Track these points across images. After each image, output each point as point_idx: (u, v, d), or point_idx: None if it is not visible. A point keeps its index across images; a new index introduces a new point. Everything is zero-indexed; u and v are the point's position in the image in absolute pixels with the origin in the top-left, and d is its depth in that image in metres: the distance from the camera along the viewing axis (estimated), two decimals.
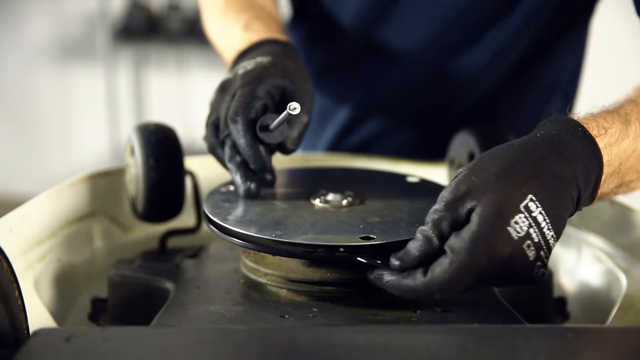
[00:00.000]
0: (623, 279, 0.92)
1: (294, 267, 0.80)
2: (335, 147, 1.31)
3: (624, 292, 0.87)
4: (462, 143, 1.04)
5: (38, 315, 0.83)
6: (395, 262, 0.71)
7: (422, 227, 0.70)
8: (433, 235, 0.69)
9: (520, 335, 0.66)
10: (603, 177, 0.74)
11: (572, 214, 0.73)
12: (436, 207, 0.70)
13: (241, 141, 0.85)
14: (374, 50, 1.21)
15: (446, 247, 0.68)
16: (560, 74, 1.24)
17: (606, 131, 0.74)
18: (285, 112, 0.80)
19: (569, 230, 1.05)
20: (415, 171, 1.10)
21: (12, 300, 0.70)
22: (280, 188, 0.91)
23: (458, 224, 0.69)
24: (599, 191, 0.74)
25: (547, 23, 1.16)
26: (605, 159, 0.73)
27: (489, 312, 0.77)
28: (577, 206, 0.73)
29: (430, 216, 0.70)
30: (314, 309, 0.78)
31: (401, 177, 0.96)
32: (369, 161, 1.18)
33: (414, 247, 0.70)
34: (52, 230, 0.95)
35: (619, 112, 0.77)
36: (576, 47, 1.24)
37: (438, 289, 0.68)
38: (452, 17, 1.14)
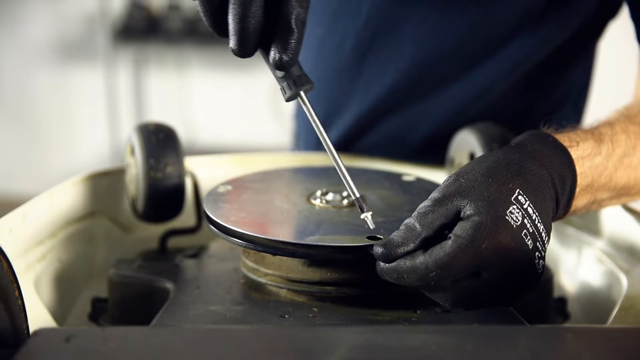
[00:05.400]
0: (624, 280, 0.91)
1: (294, 267, 0.80)
2: (340, 148, 1.31)
3: (624, 293, 0.87)
4: (462, 143, 1.04)
5: (38, 315, 0.83)
6: (377, 249, 0.71)
7: (406, 220, 0.71)
8: (416, 222, 0.70)
9: (520, 335, 0.66)
10: (577, 190, 0.75)
11: (554, 217, 0.74)
12: (425, 203, 0.71)
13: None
14: (384, 55, 1.20)
15: (450, 235, 0.69)
16: (570, 88, 1.24)
17: (578, 144, 0.77)
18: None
19: (569, 230, 1.05)
20: (418, 174, 1.09)
21: (12, 300, 0.70)
22: (276, 187, 0.92)
23: (447, 219, 0.70)
24: (573, 204, 0.76)
25: (563, 43, 1.15)
26: (578, 170, 0.75)
27: (489, 312, 0.77)
28: (557, 209, 0.74)
29: (417, 211, 0.71)
30: (314, 309, 0.78)
31: (397, 176, 0.96)
32: (370, 162, 1.18)
33: (396, 234, 0.71)
34: (52, 230, 0.95)
35: (593, 132, 0.79)
36: (587, 62, 1.25)
37: (435, 266, 0.68)
38: (467, 31, 1.14)
